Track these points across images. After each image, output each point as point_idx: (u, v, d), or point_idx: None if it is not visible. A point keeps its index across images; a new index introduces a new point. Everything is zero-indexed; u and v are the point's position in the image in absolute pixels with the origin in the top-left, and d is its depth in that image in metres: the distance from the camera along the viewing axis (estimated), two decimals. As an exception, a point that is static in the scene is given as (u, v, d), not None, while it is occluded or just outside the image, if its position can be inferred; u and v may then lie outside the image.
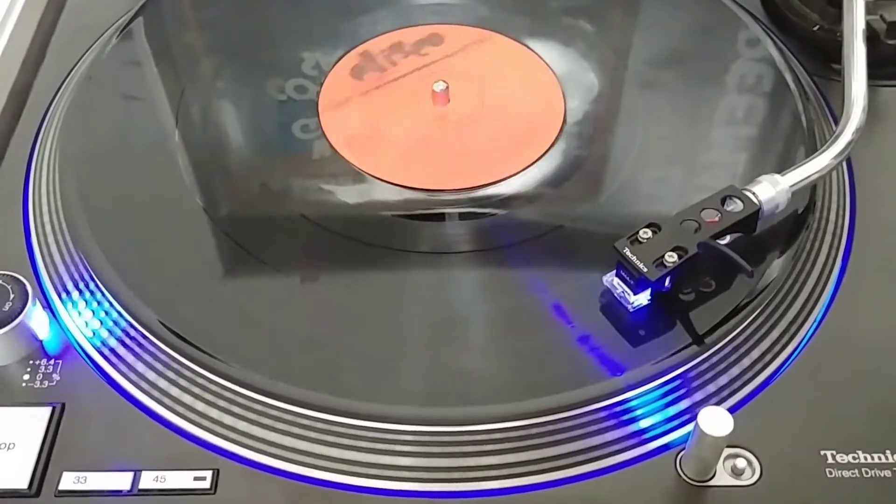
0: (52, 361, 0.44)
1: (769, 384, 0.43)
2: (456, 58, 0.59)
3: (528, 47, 0.59)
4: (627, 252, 0.43)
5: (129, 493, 0.40)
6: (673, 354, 0.43)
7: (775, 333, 0.45)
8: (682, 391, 0.42)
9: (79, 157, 0.52)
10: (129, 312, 0.45)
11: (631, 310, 0.44)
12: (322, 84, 0.57)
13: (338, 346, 0.44)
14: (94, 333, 0.45)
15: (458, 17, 0.61)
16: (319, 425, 0.41)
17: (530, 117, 0.55)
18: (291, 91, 0.57)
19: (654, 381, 0.42)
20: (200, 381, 0.43)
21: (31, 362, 0.44)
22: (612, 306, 0.45)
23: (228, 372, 0.42)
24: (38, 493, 0.40)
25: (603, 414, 0.41)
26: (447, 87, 0.55)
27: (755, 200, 0.45)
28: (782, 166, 0.49)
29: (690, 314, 0.44)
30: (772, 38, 0.58)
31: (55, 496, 0.40)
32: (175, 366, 0.43)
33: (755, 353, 0.44)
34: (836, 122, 0.54)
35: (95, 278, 0.46)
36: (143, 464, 0.41)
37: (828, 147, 0.47)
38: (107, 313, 0.46)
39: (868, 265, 0.48)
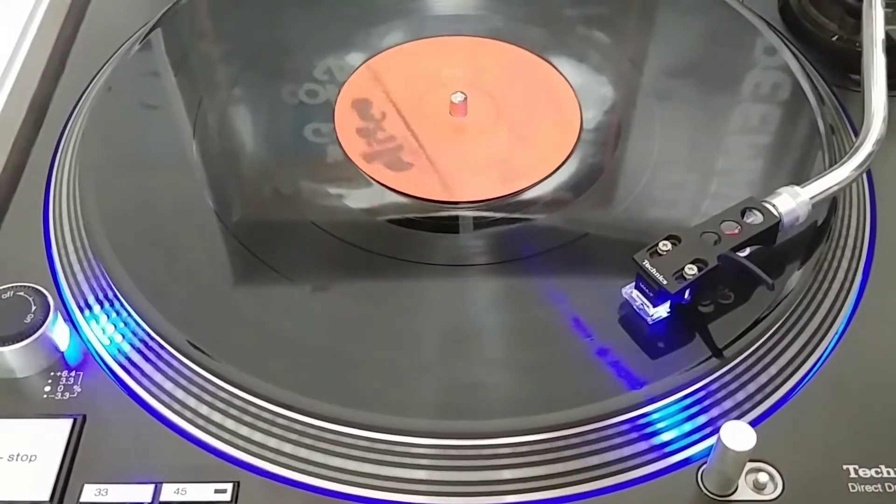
0: (73, 373, 0.44)
1: (791, 397, 0.43)
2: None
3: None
4: (647, 264, 0.43)
5: (150, 505, 0.40)
6: (693, 367, 0.43)
7: (796, 346, 0.45)
8: (703, 404, 0.42)
9: (99, 167, 0.52)
10: (148, 324, 0.45)
11: (650, 322, 0.44)
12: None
13: (357, 359, 0.44)
14: (113, 345, 0.45)
15: (473, 28, 0.61)
16: (338, 438, 0.41)
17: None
18: (307, 97, 0.57)
19: (674, 394, 0.42)
20: (220, 393, 0.43)
21: (52, 374, 0.44)
22: (631, 319, 0.44)
23: (248, 384, 0.42)
24: (59, 506, 0.40)
25: (623, 427, 0.41)
26: (465, 98, 0.55)
27: (775, 213, 0.45)
28: (801, 177, 0.49)
29: (710, 326, 0.44)
30: (790, 48, 0.58)
31: (76, 508, 0.40)
32: (195, 378, 0.43)
33: (776, 366, 0.44)
34: (856, 133, 0.54)
35: (115, 289, 0.46)
36: (164, 476, 0.41)
37: (848, 158, 0.47)
38: (126, 325, 0.46)
39: (889, 277, 0.48)
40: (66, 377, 0.44)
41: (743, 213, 0.45)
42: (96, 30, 0.64)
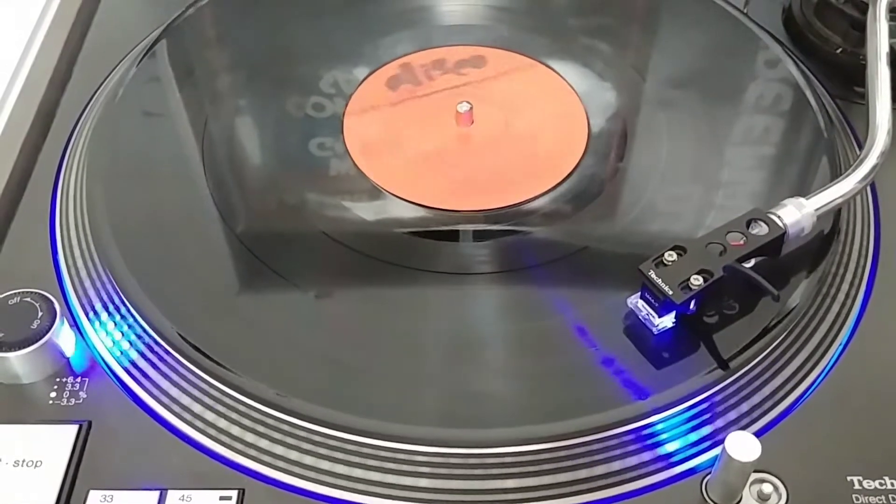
0: (78, 379, 0.45)
1: (795, 408, 0.43)
2: (479, 78, 0.59)
3: (551, 68, 0.59)
4: (653, 275, 0.43)
5: (155, 512, 0.40)
6: (698, 378, 0.43)
7: (801, 357, 0.45)
8: (708, 415, 0.42)
9: (105, 174, 0.52)
10: (154, 330, 0.45)
11: (656, 332, 0.44)
12: (347, 104, 0.57)
13: (362, 367, 0.44)
14: (120, 351, 0.46)
15: (479, 39, 0.62)
16: (343, 445, 0.41)
17: (554, 138, 0.55)
18: (312, 110, 0.58)
19: (679, 404, 0.42)
20: (226, 399, 0.43)
21: (57, 380, 0.44)
22: (636, 329, 0.45)
23: (254, 391, 0.43)
24: (64, 512, 0.40)
25: (628, 438, 0.41)
26: (471, 108, 0.55)
27: (780, 224, 0.45)
28: (805, 188, 0.49)
29: (715, 337, 0.44)
30: (794, 60, 0.58)
31: (81, 515, 0.40)
32: (201, 384, 0.43)
33: (781, 377, 0.44)
34: (860, 145, 0.54)
35: (121, 296, 0.46)
36: (169, 483, 0.41)
37: (853, 171, 0.47)
38: (132, 331, 0.46)
39: (893, 288, 0.48)
40: (71, 383, 0.44)
41: (748, 225, 0.45)
42: (103, 38, 0.64)
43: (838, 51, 0.60)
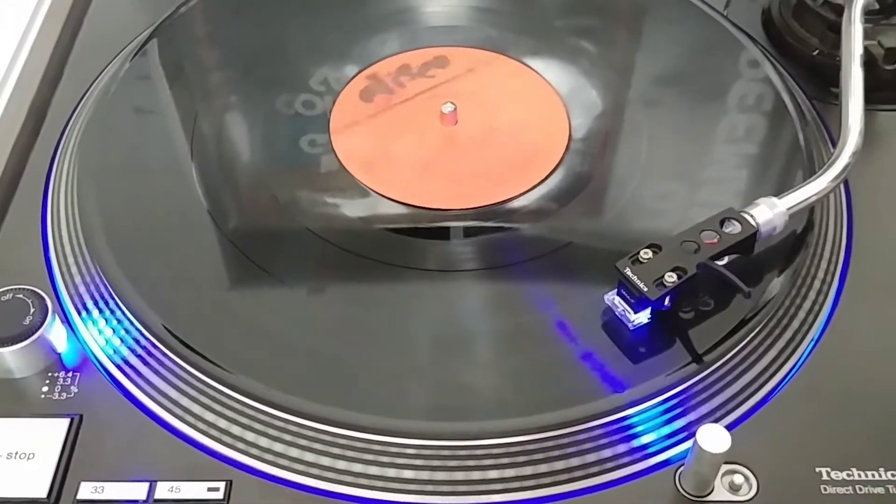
0: (70, 374, 0.45)
1: (767, 402, 0.44)
2: (463, 79, 0.60)
3: (532, 68, 0.60)
4: (628, 272, 0.44)
5: (145, 503, 0.41)
6: (673, 372, 0.44)
7: (773, 352, 0.46)
8: (682, 408, 0.43)
9: (96, 173, 0.53)
10: (144, 326, 0.46)
11: (632, 328, 0.45)
12: (334, 103, 0.58)
13: (348, 361, 0.45)
14: (110, 347, 0.46)
15: (464, 39, 0.62)
16: (329, 438, 0.42)
17: (536, 137, 0.56)
18: (302, 108, 0.58)
19: (654, 398, 0.43)
20: (214, 393, 0.44)
21: (49, 374, 0.45)
22: (613, 324, 0.46)
23: (241, 385, 0.44)
24: (56, 503, 0.41)
25: (604, 430, 0.42)
26: (455, 109, 0.56)
27: (753, 223, 0.46)
28: (781, 187, 0.50)
29: (690, 332, 0.45)
30: (772, 62, 0.59)
31: (73, 505, 0.41)
32: (190, 378, 0.44)
33: (754, 371, 0.45)
34: (835, 145, 0.55)
35: (112, 292, 0.47)
36: (159, 475, 0.42)
37: (825, 170, 0.49)
38: (122, 326, 0.47)
39: (865, 285, 0.49)
40: (63, 378, 0.45)
41: (722, 223, 0.46)
42: (94, 37, 0.64)
43: (815, 53, 0.61)
